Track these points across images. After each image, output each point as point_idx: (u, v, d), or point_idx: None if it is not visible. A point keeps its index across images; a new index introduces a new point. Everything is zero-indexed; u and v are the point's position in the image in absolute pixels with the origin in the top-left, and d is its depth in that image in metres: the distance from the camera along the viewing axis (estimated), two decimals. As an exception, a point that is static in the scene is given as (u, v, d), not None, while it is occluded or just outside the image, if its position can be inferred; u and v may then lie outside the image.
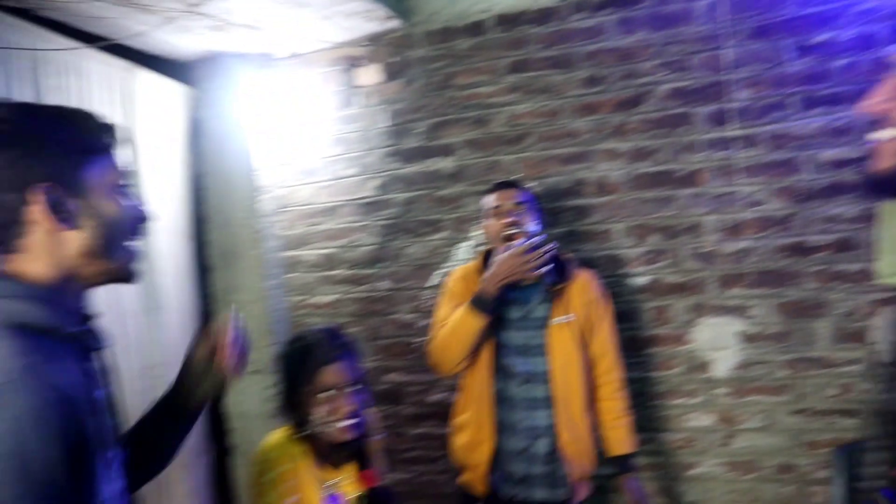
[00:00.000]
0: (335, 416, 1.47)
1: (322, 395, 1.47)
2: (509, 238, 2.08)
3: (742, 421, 2.41)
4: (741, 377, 2.41)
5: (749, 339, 2.40)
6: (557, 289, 2.09)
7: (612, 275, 2.54)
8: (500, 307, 2.06)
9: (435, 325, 2.16)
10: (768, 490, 2.39)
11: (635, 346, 2.52)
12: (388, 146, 2.85)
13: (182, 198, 2.85)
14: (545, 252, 2.01)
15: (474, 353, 2.08)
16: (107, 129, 0.99)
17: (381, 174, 2.86)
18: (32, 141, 0.91)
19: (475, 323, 2.00)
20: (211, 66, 2.88)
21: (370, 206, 2.88)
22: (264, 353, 2.86)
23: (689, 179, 2.47)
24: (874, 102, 1.02)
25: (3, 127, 0.90)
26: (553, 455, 2.05)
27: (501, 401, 2.08)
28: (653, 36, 2.50)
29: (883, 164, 1.01)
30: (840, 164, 2.29)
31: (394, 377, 2.86)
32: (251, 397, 2.93)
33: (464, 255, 2.75)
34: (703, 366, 2.45)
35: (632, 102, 2.53)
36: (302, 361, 1.50)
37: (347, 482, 1.53)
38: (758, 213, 2.39)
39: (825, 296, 2.32)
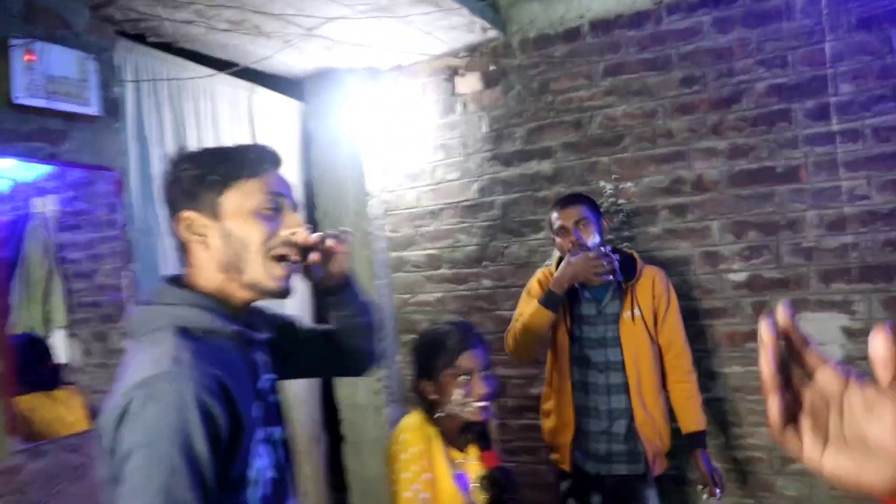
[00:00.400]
0: (471, 398, 1.63)
1: (461, 378, 1.63)
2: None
3: (848, 416, 2.40)
4: (846, 373, 2.40)
5: (852, 334, 2.39)
6: (626, 286, 2.26)
7: (710, 271, 2.59)
8: (576, 305, 2.30)
9: (514, 319, 2.35)
10: (877, 486, 2.37)
11: (734, 342, 2.56)
12: (488, 151, 2.99)
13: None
14: (608, 260, 2.17)
15: (553, 346, 2.35)
16: (256, 158, 1.14)
17: (482, 178, 3.01)
18: (185, 177, 1.12)
19: (543, 317, 2.20)
20: (320, 82, 3.10)
21: (472, 209, 3.03)
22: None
23: (790, 175, 2.48)
24: None
25: (171, 170, 1.15)
26: (631, 434, 2.24)
27: (583, 388, 2.29)
28: (749, 33, 2.51)
29: None
30: (951, 156, 2.25)
31: (497, 371, 3.00)
32: (362, 390, 3.15)
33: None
34: (806, 361, 2.45)
35: (729, 101, 2.56)
36: (443, 346, 1.66)
37: (471, 463, 1.69)
38: (862, 207, 2.37)
39: (936, 291, 2.29)
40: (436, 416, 1.66)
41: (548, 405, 2.39)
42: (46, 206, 2.08)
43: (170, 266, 2.28)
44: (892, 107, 2.33)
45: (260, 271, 1.11)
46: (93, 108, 2.02)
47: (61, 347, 2.21)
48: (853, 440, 0.54)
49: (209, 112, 2.57)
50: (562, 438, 2.31)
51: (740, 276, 2.56)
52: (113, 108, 2.12)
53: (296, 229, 1.13)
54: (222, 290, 1.12)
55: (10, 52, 1.80)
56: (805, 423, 0.56)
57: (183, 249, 1.15)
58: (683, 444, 2.33)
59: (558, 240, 2.29)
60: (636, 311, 2.25)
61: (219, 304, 1.11)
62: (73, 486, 1.91)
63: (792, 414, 0.56)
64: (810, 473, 2.41)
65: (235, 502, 1.03)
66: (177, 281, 1.15)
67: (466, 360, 1.65)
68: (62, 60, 1.92)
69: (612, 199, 2.76)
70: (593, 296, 2.30)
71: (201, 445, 0.93)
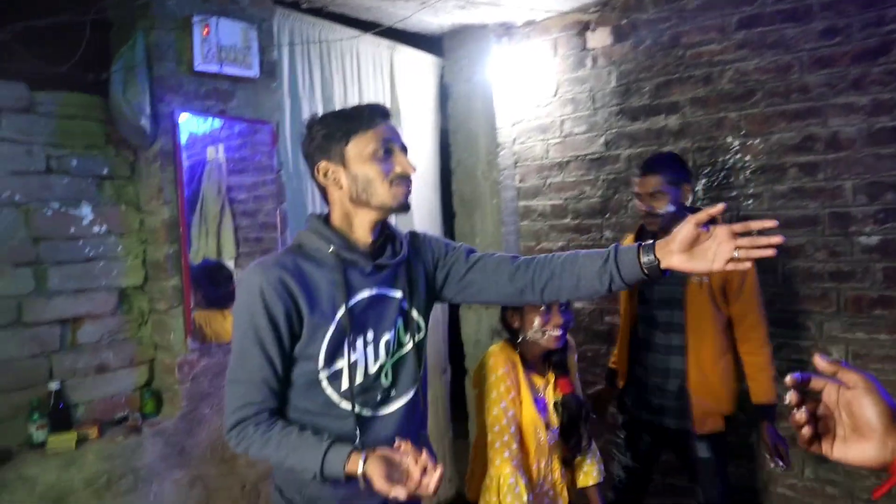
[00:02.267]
0: (548, 326, 1.83)
1: (541, 308, 1.83)
2: (646, 222, 2.36)
3: (978, 392, 2.28)
4: (981, 347, 2.27)
5: None
6: None
7: (838, 233, 2.51)
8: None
9: None
10: None
11: (859, 307, 2.48)
12: (616, 105, 3.04)
13: (432, 154, 3.34)
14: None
15: (625, 303, 2.53)
16: (368, 114, 1.44)
17: (609, 132, 3.07)
18: (318, 135, 1.46)
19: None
20: (457, 38, 3.28)
21: (597, 162, 3.12)
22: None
23: (937, 135, 2.32)
24: None
25: (307, 131, 1.49)
26: (682, 392, 2.32)
27: (646, 345, 2.41)
28: (905, -20, 2.34)
29: None
30: None
31: (609, 319, 3.12)
32: (484, 328, 3.40)
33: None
34: (934, 332, 2.35)
35: (874, 53, 2.42)
36: None
37: (549, 388, 1.89)
38: None
39: None
40: (518, 341, 1.86)
41: (616, 350, 2.59)
42: (218, 154, 2.49)
43: (314, 205, 2.64)
44: None
45: (385, 196, 1.43)
46: (254, 71, 2.37)
47: (232, 276, 2.64)
48: (851, 432, 0.78)
49: (354, 69, 2.86)
50: (618, 382, 2.55)
51: (872, 240, 2.46)
52: (270, 69, 2.46)
53: (405, 166, 1.44)
54: (349, 221, 1.47)
55: (193, 28, 2.18)
56: (821, 430, 0.80)
57: (322, 192, 1.51)
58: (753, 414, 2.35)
59: (636, 202, 2.38)
60: (704, 278, 2.26)
61: (335, 233, 1.45)
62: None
63: (814, 431, 0.80)
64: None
65: (309, 373, 1.40)
66: (322, 216, 1.51)
67: None
68: (230, 31, 2.27)
69: (738, 156, 2.73)
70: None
71: (261, 319, 1.35)
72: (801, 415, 0.79)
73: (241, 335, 1.37)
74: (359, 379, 1.43)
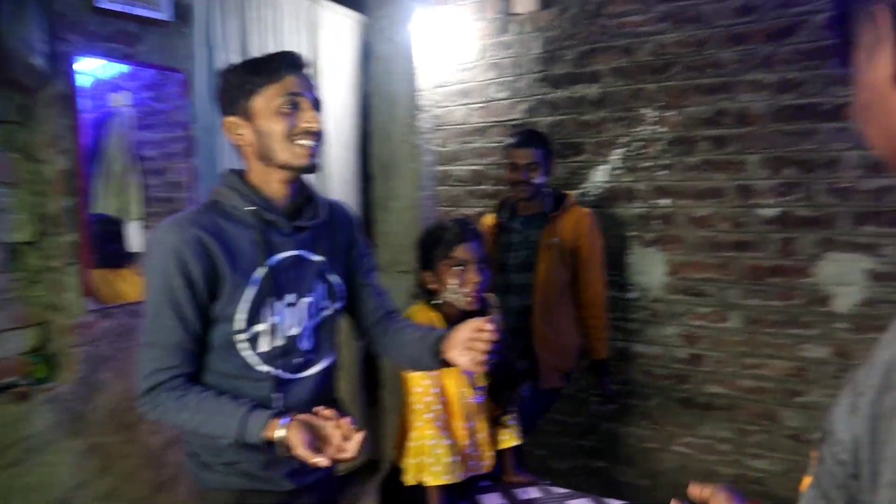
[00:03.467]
0: (465, 287, 1.80)
1: (456, 269, 1.80)
2: (515, 191, 2.55)
3: (858, 356, 2.47)
4: (863, 314, 2.45)
5: (877, 277, 2.41)
6: (552, 216, 2.52)
7: (741, 205, 2.63)
8: (505, 234, 2.60)
9: None
10: (880, 424, 2.45)
11: (756, 275, 2.63)
12: (539, 72, 3.05)
13: (351, 115, 3.25)
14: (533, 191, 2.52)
15: None
16: (277, 65, 1.36)
17: (530, 98, 3.08)
18: (228, 87, 1.39)
19: None
20: (382, -5, 3.19)
21: (518, 128, 3.12)
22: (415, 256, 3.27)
23: (835, 113, 2.45)
24: None
25: (220, 82, 1.41)
26: (528, 351, 2.50)
27: (504, 310, 2.37)
28: (813, -37, 2.44)
29: None
30: None
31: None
32: (399, 293, 3.37)
33: (601, 177, 2.94)
34: (823, 299, 2.51)
35: (784, 33, 2.52)
36: (440, 239, 1.83)
37: None
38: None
39: (967, 240, 2.28)
40: (434, 302, 1.85)
41: None
42: (121, 101, 2.32)
43: (227, 162, 2.52)
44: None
45: (287, 154, 1.37)
46: (164, 14, 2.21)
47: (136, 237, 2.49)
48: None
49: (273, 21, 2.73)
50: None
51: (771, 212, 2.60)
52: (183, 13, 2.31)
53: (311, 121, 1.37)
54: (263, 177, 1.41)
55: (91, -41, 2.00)
56: None
57: (234, 148, 1.44)
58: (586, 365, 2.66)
59: (509, 172, 2.54)
60: (555, 239, 2.49)
61: (256, 190, 1.40)
62: (137, 345, 2.23)
63: None
64: (814, 407, 2.53)
65: (227, 335, 1.35)
66: (238, 171, 1.44)
67: (462, 251, 1.80)
68: (136, -33, 2.10)
69: (654, 127, 2.80)
70: (522, 226, 2.58)
71: (175, 278, 1.29)
72: None
73: (155, 296, 1.32)
74: (278, 342, 1.39)
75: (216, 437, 1.31)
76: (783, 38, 2.53)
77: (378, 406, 3.46)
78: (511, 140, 2.58)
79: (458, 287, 1.80)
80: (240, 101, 1.36)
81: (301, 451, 1.21)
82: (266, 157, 1.37)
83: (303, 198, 1.48)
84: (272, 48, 2.71)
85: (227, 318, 1.34)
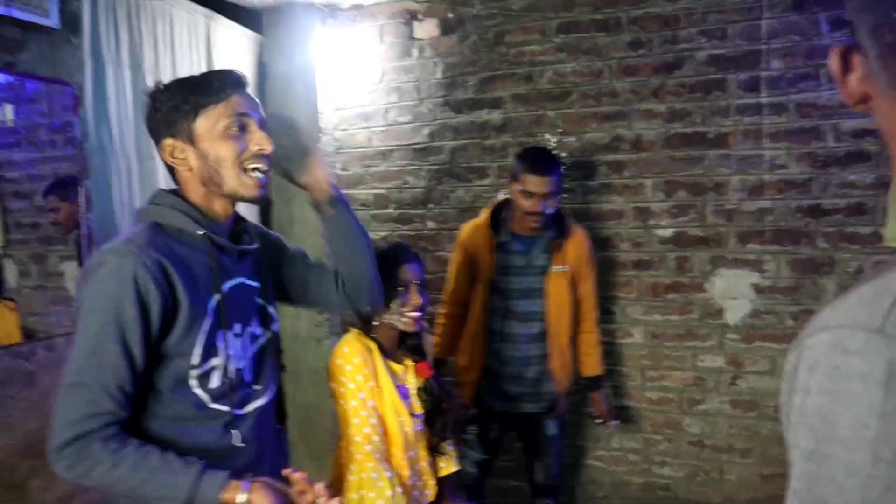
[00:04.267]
0: (407, 307, 1.76)
1: (399, 289, 1.75)
2: (526, 221, 2.32)
3: (748, 365, 2.68)
4: (750, 325, 2.66)
5: (761, 291, 2.64)
6: (558, 242, 2.37)
7: (640, 226, 2.79)
8: (503, 256, 2.38)
9: (448, 278, 2.52)
10: (767, 427, 2.67)
11: (656, 292, 2.78)
12: (441, 97, 3.07)
13: (249, 136, 3.11)
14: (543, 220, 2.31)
15: (472, 293, 2.44)
16: (219, 84, 1.26)
17: (434, 122, 3.10)
18: (163, 107, 1.26)
19: None
20: (279, 15, 3.10)
21: (421, 152, 3.13)
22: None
23: (720, 141, 2.67)
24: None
25: (151, 102, 1.29)
26: (543, 377, 2.41)
27: (500, 337, 2.41)
28: (695, 3, 2.66)
29: None
30: (860, 133, 2.48)
31: (435, 308, 3.15)
32: (304, 322, 3.25)
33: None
34: (717, 313, 2.70)
35: (671, 66, 2.72)
36: (384, 260, 1.72)
37: (409, 375, 1.84)
38: (780, 175, 2.59)
39: (835, 255, 2.55)
40: (373, 324, 1.77)
41: (463, 344, 2.47)
42: (5, 117, 2.07)
43: (122, 184, 2.31)
44: (815, 85, 2.54)
45: (235, 182, 1.26)
46: (51, 20, 2.01)
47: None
48: None
49: (167, 36, 2.55)
50: (468, 377, 2.44)
51: (667, 232, 2.77)
52: (72, 21, 2.10)
53: (262, 144, 1.27)
54: (205, 201, 1.29)
55: (-31, -45, 1.78)
56: None
57: (170, 171, 1.31)
58: (583, 385, 2.59)
59: (522, 199, 2.28)
60: (564, 267, 2.36)
61: (200, 212, 1.28)
62: (24, 392, 1.97)
63: None
64: (714, 414, 2.70)
65: (180, 372, 1.22)
66: (173, 190, 1.32)
67: (405, 272, 1.77)
68: (22, -32, 1.90)
69: (555, 153, 2.90)
70: (522, 248, 2.39)
71: (130, 311, 1.14)
72: None
73: (96, 329, 1.14)
74: (229, 376, 1.27)
75: (158, 498, 1.14)
76: (669, 71, 2.73)
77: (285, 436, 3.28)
78: (524, 164, 2.29)
79: (398, 308, 1.76)
80: (179, 122, 1.25)
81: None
82: (212, 184, 1.27)
83: (238, 222, 1.39)
84: (167, 64, 2.55)
85: (182, 353, 1.21)
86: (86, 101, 2.19)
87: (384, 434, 1.74)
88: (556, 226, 2.37)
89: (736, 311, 2.68)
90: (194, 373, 1.22)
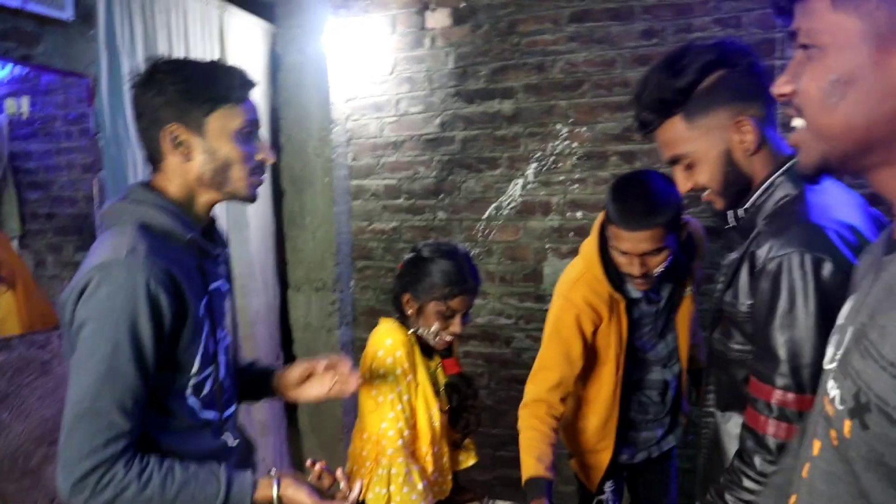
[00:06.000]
0: (445, 332, 1.72)
1: (446, 316, 1.70)
2: (634, 286, 1.78)
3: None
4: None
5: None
6: (690, 265, 1.88)
7: (652, 216, 2.78)
8: (630, 307, 1.83)
9: (541, 370, 1.85)
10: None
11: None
12: (453, 87, 3.07)
13: (262, 127, 3.13)
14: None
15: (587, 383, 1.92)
16: (239, 84, 1.25)
17: (445, 113, 3.10)
18: (173, 89, 1.21)
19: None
20: (291, 5, 3.10)
21: (432, 142, 3.13)
22: (329, 272, 3.19)
23: (732, 131, 2.65)
24: (781, 83, 0.77)
25: (149, 81, 1.22)
26: (677, 407, 2.01)
27: (634, 405, 1.96)
28: (709, -8, 2.64)
29: (801, 157, 0.76)
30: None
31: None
32: (315, 311, 3.27)
33: (516, 191, 3.00)
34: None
35: (684, 56, 2.70)
36: (442, 280, 1.68)
37: (438, 371, 1.84)
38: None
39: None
40: (410, 331, 1.75)
41: (583, 423, 1.96)
42: (21, 108, 2.10)
43: (137, 175, 2.34)
44: (830, 74, 2.51)
45: (242, 184, 1.26)
46: (66, 13, 2.03)
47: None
48: None
49: (181, 27, 2.57)
50: (596, 461, 1.98)
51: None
52: (86, 13, 2.12)
53: (267, 154, 1.30)
54: (190, 197, 1.25)
55: (-15, -50, 1.80)
56: None
57: (155, 157, 1.25)
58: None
59: (616, 255, 1.72)
60: (693, 288, 1.90)
61: (182, 210, 1.23)
62: (39, 380, 2.00)
63: None
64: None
65: (181, 382, 1.19)
66: (148, 185, 1.26)
67: (458, 302, 1.69)
68: (37, -38, 1.91)
69: (566, 143, 2.90)
70: (655, 296, 1.85)
71: (145, 326, 1.08)
72: None
73: (109, 351, 1.07)
74: (218, 382, 1.27)
75: None
76: (683, 61, 2.70)
77: (296, 426, 3.33)
78: (613, 211, 1.67)
79: (438, 329, 1.72)
80: (192, 110, 1.21)
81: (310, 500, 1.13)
82: (212, 181, 1.24)
83: (212, 221, 1.37)
84: (181, 55, 2.56)
85: (185, 363, 1.18)
86: (101, 93, 2.21)
87: (413, 428, 1.73)
88: (681, 242, 1.78)
89: (748, 302, 2.67)
90: (192, 381, 1.20)
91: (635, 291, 1.80)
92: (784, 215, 1.17)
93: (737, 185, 1.28)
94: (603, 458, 1.96)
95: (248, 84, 1.27)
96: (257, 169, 1.28)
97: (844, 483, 0.63)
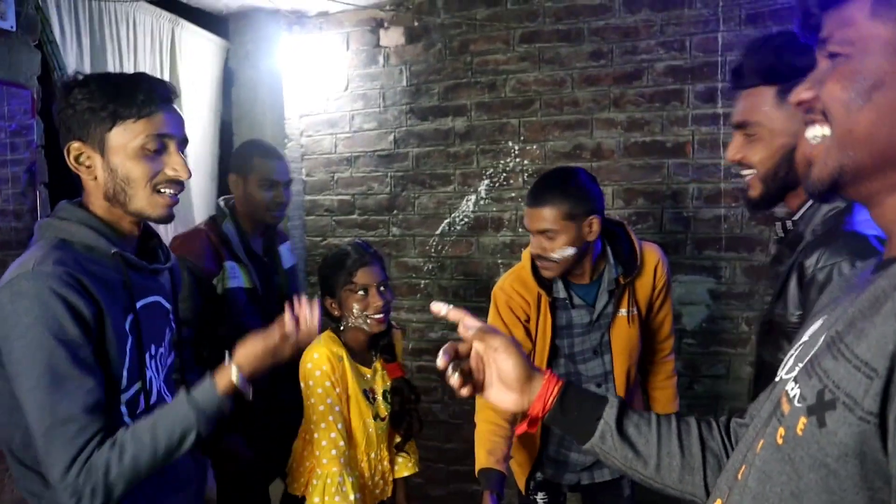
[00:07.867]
0: (370, 310, 1.77)
1: (358, 294, 1.77)
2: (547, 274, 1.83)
3: (704, 369, 2.73)
4: (706, 330, 2.72)
5: (717, 296, 2.70)
6: (625, 282, 1.85)
7: (601, 233, 2.83)
8: (561, 313, 1.88)
9: None
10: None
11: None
12: (406, 104, 3.10)
13: (212, 142, 3.11)
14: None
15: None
16: (145, 98, 1.18)
17: (398, 129, 3.12)
18: (78, 106, 1.17)
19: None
20: (245, 21, 3.10)
21: (386, 159, 3.15)
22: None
23: (678, 150, 2.73)
24: (801, 90, 0.74)
25: (64, 95, 1.19)
26: None
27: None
28: (655, 16, 2.72)
29: (815, 171, 0.73)
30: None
31: (399, 315, 3.17)
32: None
33: (469, 207, 3.03)
34: (676, 318, 2.74)
35: (630, 77, 2.78)
36: (341, 265, 1.80)
37: (377, 377, 1.86)
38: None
39: (788, 262, 2.61)
40: (340, 328, 1.81)
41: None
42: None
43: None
44: (768, 96, 2.61)
45: (144, 202, 1.21)
46: (8, 23, 2.00)
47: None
48: (497, 381, 0.96)
49: (130, 40, 2.55)
50: (522, 458, 2.02)
51: (626, 239, 2.82)
52: (29, 24, 2.09)
53: (178, 169, 1.23)
54: (110, 214, 1.22)
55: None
56: (475, 375, 0.98)
57: (74, 174, 1.23)
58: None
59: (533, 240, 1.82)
60: (633, 310, 1.86)
61: (107, 226, 1.21)
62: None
63: (465, 378, 0.97)
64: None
65: (113, 399, 1.16)
66: (78, 202, 1.24)
67: (363, 276, 1.78)
68: (-22, -29, 1.89)
69: (517, 160, 2.95)
70: (584, 298, 1.87)
71: (70, 326, 1.07)
72: (454, 379, 0.96)
73: (45, 360, 1.05)
74: (151, 400, 1.23)
75: (176, 443, 1.12)
76: (629, 82, 2.79)
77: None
78: (527, 193, 1.81)
79: (360, 311, 1.78)
80: (93, 127, 1.17)
81: (263, 342, 1.20)
82: (116, 200, 1.20)
83: (150, 237, 1.34)
84: (130, 69, 2.54)
85: (115, 374, 1.15)
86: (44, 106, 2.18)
87: (348, 437, 1.76)
88: (622, 259, 1.85)
89: (693, 317, 2.74)
90: (124, 397, 1.18)
91: (561, 291, 1.86)
92: (831, 226, 1.18)
93: (781, 181, 1.24)
94: (527, 460, 2.00)
95: (158, 95, 1.20)
96: (166, 185, 1.22)
97: (776, 483, 0.64)
